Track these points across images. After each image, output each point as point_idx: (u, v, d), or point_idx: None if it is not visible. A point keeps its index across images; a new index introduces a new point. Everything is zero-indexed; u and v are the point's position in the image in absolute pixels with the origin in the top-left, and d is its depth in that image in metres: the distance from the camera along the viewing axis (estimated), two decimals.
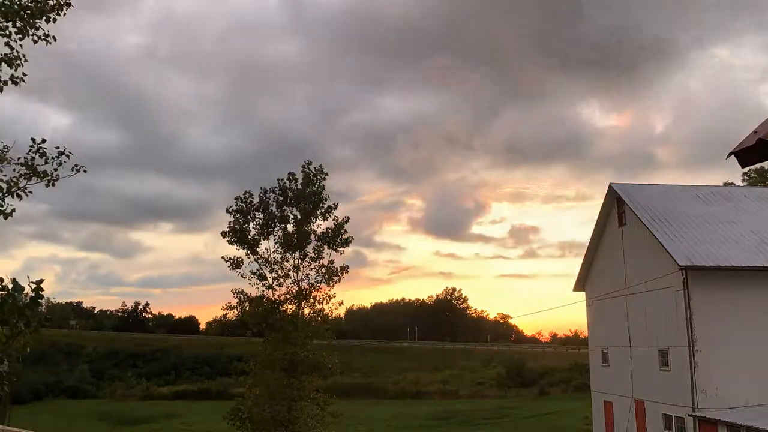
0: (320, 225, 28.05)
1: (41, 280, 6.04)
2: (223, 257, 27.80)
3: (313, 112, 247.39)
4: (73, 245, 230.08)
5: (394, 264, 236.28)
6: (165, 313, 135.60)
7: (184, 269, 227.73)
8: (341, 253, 28.19)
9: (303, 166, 28.05)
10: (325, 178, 28.12)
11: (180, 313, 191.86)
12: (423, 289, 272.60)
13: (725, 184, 48.66)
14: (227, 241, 27.46)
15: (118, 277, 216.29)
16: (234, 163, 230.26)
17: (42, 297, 6.03)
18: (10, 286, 6.19)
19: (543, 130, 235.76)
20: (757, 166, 37.83)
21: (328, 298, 27.54)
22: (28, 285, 5.97)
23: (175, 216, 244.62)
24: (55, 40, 8.13)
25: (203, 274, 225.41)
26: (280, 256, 27.65)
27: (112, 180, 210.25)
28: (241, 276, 27.61)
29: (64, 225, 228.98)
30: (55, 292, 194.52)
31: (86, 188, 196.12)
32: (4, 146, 7.88)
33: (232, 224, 27.51)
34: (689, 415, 23.98)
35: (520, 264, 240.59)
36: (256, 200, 27.86)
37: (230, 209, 27.70)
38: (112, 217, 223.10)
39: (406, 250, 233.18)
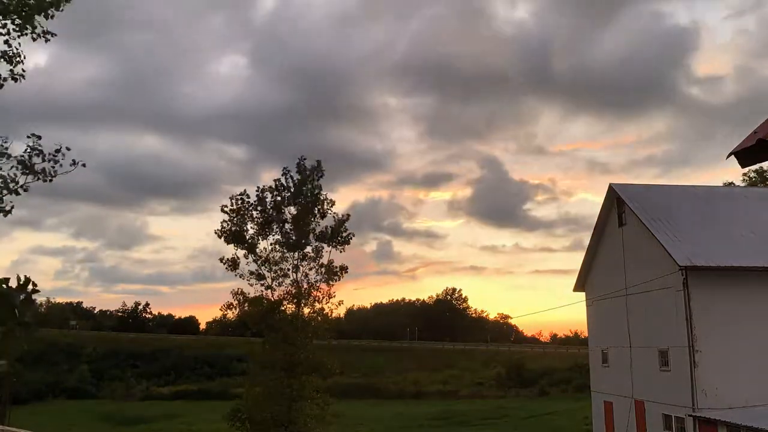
0: (319, 223, 28.06)
1: (28, 279, 6.03)
2: (220, 259, 27.82)
3: (347, 35, 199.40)
4: (64, 234, 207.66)
5: (419, 259, 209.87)
6: (166, 313, 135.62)
7: (193, 264, 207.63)
8: (341, 251, 28.21)
9: (298, 162, 27.97)
10: (322, 176, 28.08)
11: (187, 312, 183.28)
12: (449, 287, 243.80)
13: (725, 184, 48.65)
14: (223, 240, 27.41)
15: (120, 273, 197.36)
16: (246, 111, 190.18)
17: (37, 291, 6.03)
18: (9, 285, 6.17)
19: (635, 58, 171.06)
20: (757, 166, 37.83)
21: (328, 297, 27.55)
22: (18, 283, 5.97)
23: (177, 192, 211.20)
24: (55, 35, 8.13)
25: (215, 272, 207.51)
26: (279, 255, 27.64)
27: (95, 139, 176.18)
28: (240, 276, 27.62)
29: (49, 207, 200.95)
30: (54, 289, 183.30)
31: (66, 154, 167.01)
32: (3, 140, 7.90)
33: (228, 223, 27.44)
34: (689, 415, 23.95)
35: (563, 258, 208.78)
36: (253, 199, 27.81)
37: (225, 208, 27.62)
38: (103, 195, 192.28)
39: (439, 239, 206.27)
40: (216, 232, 27.39)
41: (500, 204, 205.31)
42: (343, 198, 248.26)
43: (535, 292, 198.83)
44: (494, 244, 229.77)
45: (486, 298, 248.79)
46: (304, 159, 28.09)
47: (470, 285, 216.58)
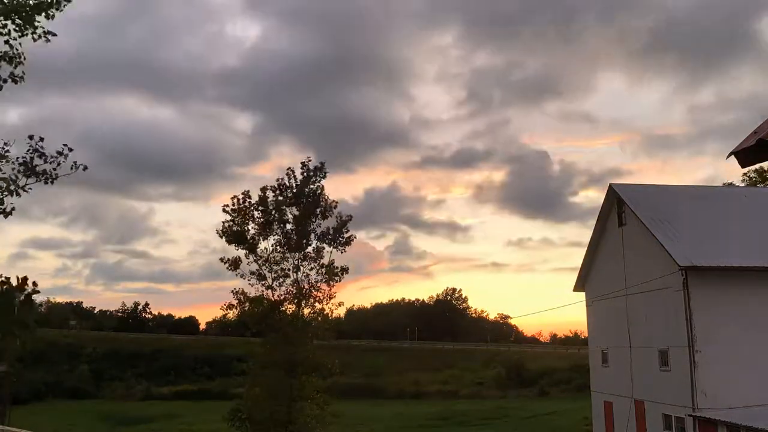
0: (320, 224, 28.19)
1: (35, 283, 6.06)
2: (221, 259, 27.92)
3: None
4: (59, 224, 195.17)
5: (437, 255, 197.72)
6: (167, 312, 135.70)
7: (196, 261, 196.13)
8: (342, 252, 28.32)
9: (303, 164, 28.24)
10: (324, 177, 28.26)
11: (191, 311, 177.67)
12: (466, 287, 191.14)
13: (725, 185, 48.65)
14: (225, 240, 27.51)
15: (122, 271, 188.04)
16: (251, 70, 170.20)
17: (37, 292, 6.06)
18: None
19: None
20: (757, 166, 37.82)
21: (328, 298, 27.61)
22: (26, 285, 5.99)
23: (177, 176, 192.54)
24: (55, 35, 8.15)
25: (221, 270, 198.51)
26: (280, 255, 27.71)
27: (77, 105, 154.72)
28: (241, 276, 27.71)
29: (44, 193, 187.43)
30: (54, 287, 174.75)
31: (45, 120, 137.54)
32: (4, 143, 7.92)
33: (230, 223, 27.53)
34: (689, 415, 23.95)
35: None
36: (255, 200, 27.90)
37: (226, 208, 27.75)
38: (95, 178, 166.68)
39: (461, 232, 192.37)
40: (218, 232, 27.53)
41: (537, 189, 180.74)
42: (360, 181, 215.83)
43: (550, 292, 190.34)
44: (521, 238, 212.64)
45: (504, 298, 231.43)
46: (309, 160, 28.44)
47: (491, 283, 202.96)
